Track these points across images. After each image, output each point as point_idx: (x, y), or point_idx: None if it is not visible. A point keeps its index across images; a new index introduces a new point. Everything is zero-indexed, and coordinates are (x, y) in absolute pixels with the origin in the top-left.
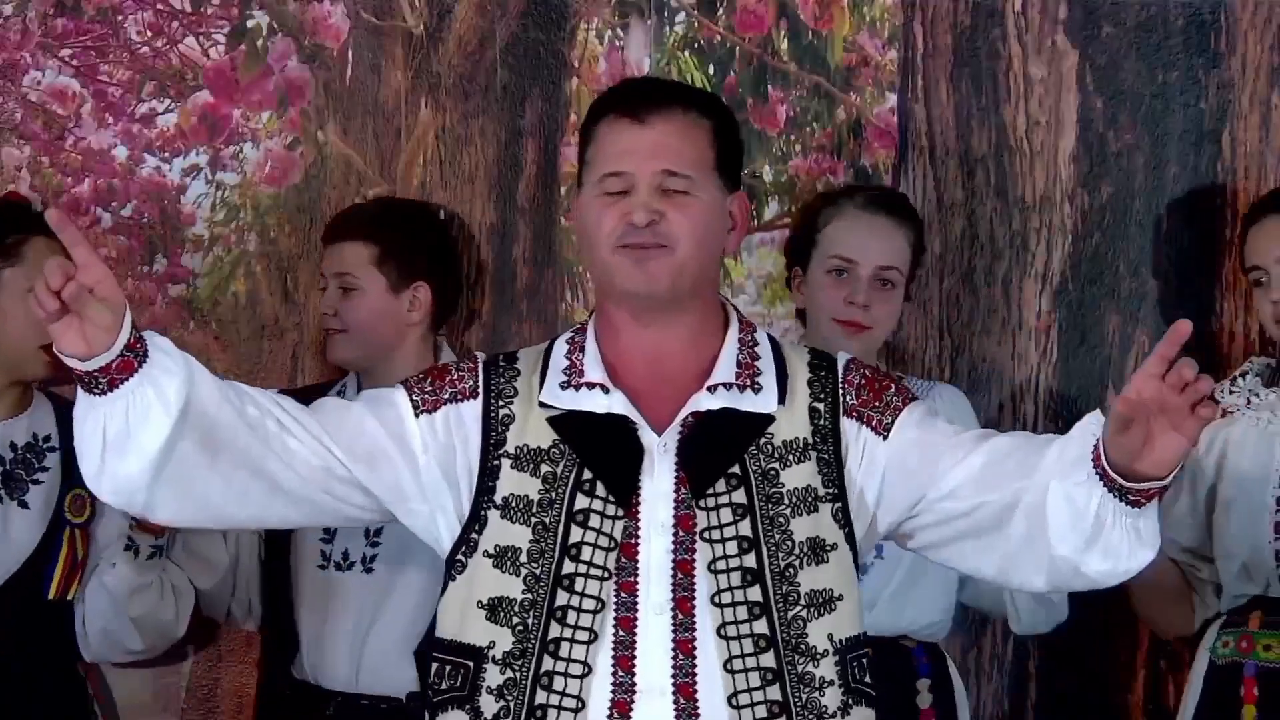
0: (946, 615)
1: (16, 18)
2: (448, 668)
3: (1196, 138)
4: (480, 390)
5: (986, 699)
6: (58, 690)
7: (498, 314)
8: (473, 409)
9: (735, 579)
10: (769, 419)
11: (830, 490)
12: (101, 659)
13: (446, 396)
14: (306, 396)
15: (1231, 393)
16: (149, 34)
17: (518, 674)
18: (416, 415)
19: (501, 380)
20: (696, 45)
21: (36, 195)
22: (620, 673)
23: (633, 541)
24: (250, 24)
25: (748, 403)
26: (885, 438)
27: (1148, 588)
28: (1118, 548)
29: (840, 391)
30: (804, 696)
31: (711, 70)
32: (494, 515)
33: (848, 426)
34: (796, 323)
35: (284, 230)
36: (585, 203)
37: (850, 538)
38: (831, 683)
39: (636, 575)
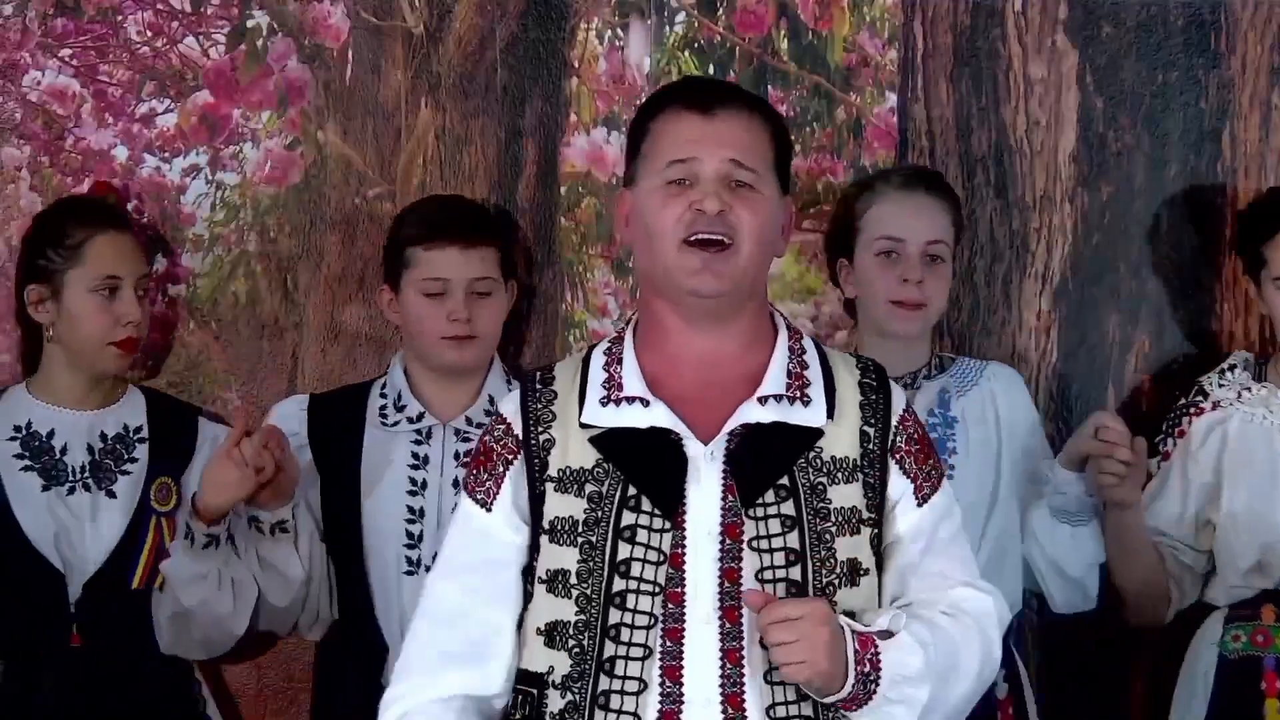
0: (1019, 602)
1: (16, 18)
2: (519, 697)
3: (1196, 138)
4: (521, 440)
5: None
6: (155, 677)
7: None
8: (520, 462)
9: (780, 590)
10: (818, 433)
11: (871, 516)
12: (174, 651)
13: (500, 471)
14: (341, 398)
15: (1221, 385)
16: (149, 34)
17: (577, 696)
18: (489, 510)
19: (539, 405)
20: (696, 45)
21: (36, 196)
22: (668, 683)
23: (680, 551)
24: (250, 24)
25: (797, 415)
26: (920, 505)
27: (1136, 560)
28: None
29: (893, 430)
30: (831, 714)
31: (711, 70)
32: (544, 540)
33: (892, 466)
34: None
35: (284, 230)
36: (645, 194)
37: (879, 565)
38: None
39: (683, 585)
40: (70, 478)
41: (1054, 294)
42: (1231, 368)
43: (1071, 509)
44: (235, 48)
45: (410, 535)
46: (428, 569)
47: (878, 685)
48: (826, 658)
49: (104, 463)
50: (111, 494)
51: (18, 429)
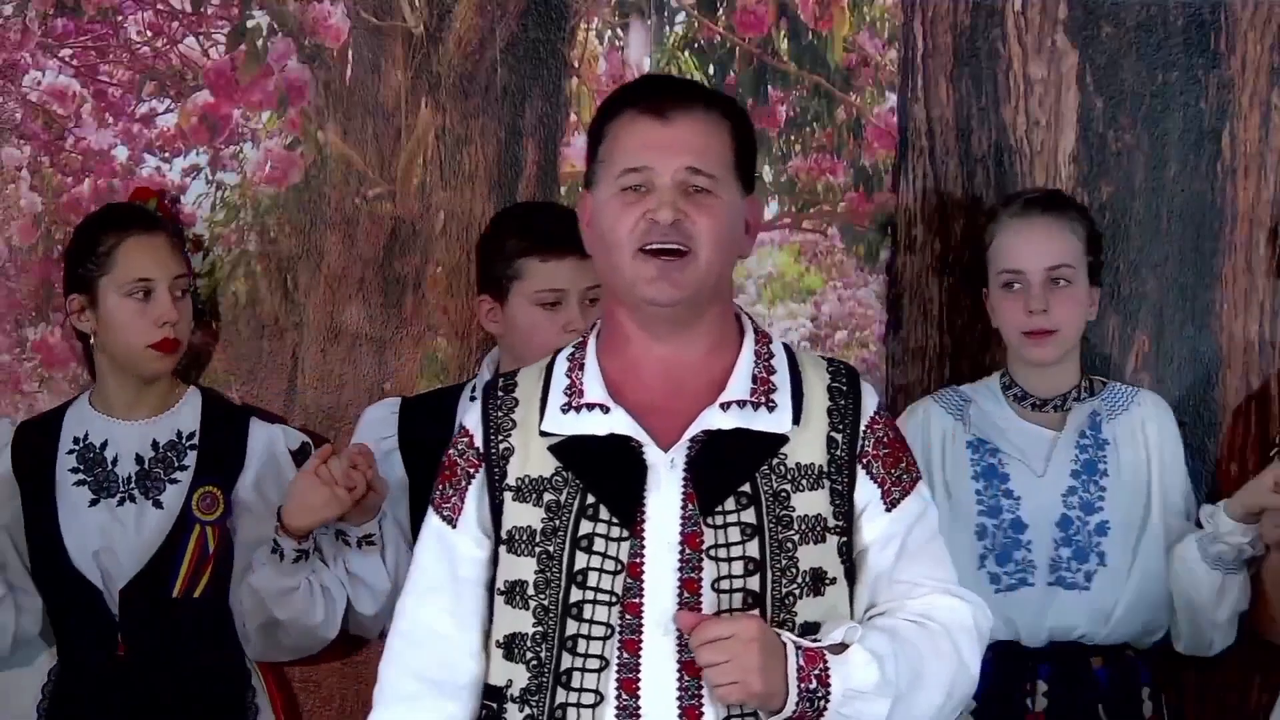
0: (1165, 623)
1: (16, 18)
2: (484, 712)
3: (1196, 138)
4: (481, 451)
5: None
6: (204, 687)
7: None
8: (481, 474)
9: (737, 601)
10: (783, 439)
11: (839, 524)
12: (264, 658)
13: (463, 485)
14: (433, 401)
15: None
16: (149, 34)
17: (535, 710)
18: (455, 527)
19: (499, 414)
20: (696, 45)
21: (37, 197)
22: (625, 696)
23: (638, 561)
24: (250, 24)
25: (761, 421)
26: (888, 510)
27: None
28: None
29: (861, 435)
30: None
31: (711, 70)
32: (502, 551)
33: (859, 472)
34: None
35: (284, 230)
36: (600, 203)
37: (850, 573)
38: None
39: (641, 595)
40: (120, 489)
41: None
42: None
43: (1229, 558)
44: (235, 48)
45: None
46: None
47: (827, 702)
48: (759, 678)
49: (153, 471)
50: (159, 504)
51: (76, 441)
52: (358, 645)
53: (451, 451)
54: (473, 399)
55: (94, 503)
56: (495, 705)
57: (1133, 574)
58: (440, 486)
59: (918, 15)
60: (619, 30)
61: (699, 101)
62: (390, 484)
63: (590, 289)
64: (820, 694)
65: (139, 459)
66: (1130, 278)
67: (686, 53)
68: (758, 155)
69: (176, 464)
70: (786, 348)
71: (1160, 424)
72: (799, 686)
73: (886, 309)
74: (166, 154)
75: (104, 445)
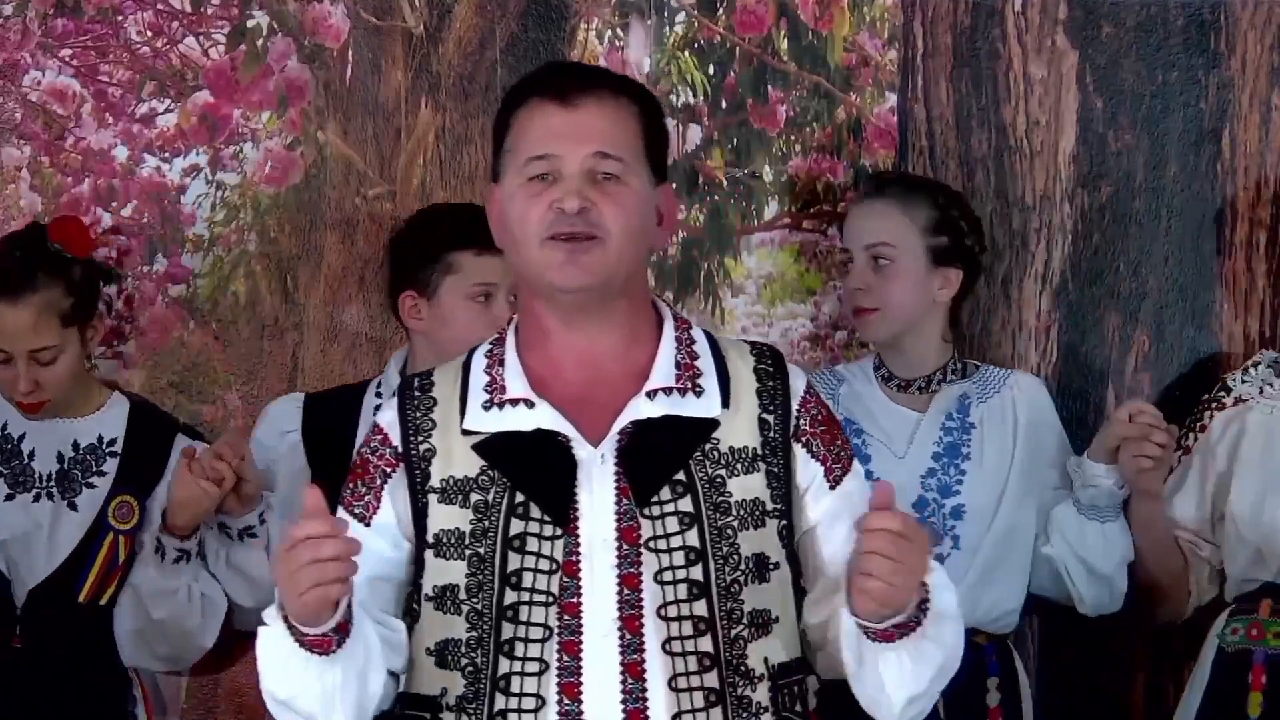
0: (1019, 607)
1: (16, 18)
2: None
3: (1196, 138)
4: (400, 451)
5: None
6: (92, 691)
7: None
8: (399, 474)
9: (682, 591)
10: (714, 423)
11: (778, 506)
12: (136, 663)
13: (378, 484)
14: (337, 397)
15: (1244, 381)
16: (149, 34)
17: (473, 717)
18: (367, 525)
19: (418, 414)
20: (696, 45)
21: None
22: (566, 701)
23: (574, 559)
24: (250, 24)
25: (690, 407)
26: (833, 488)
27: (1160, 551)
28: (884, 676)
29: (794, 413)
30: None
31: (711, 70)
32: (429, 556)
33: (798, 451)
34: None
35: (284, 230)
36: (507, 194)
37: (792, 557)
38: (765, 709)
39: (579, 595)
40: (36, 485)
41: (1054, 294)
42: (1256, 364)
43: (1101, 503)
44: (235, 48)
45: None
46: None
47: (924, 616)
48: (915, 590)
49: (71, 472)
50: (73, 506)
51: None
52: (232, 661)
53: (364, 449)
54: (379, 394)
55: (10, 496)
56: (429, 715)
57: (977, 557)
58: (351, 485)
59: (918, 15)
60: (619, 30)
61: (605, 86)
62: (292, 476)
63: (514, 286)
64: (924, 606)
65: (60, 457)
66: (1130, 277)
67: (686, 53)
68: (754, 153)
69: (95, 468)
70: (707, 333)
71: (1031, 403)
72: (917, 595)
73: None
74: (166, 154)
75: (21, 438)
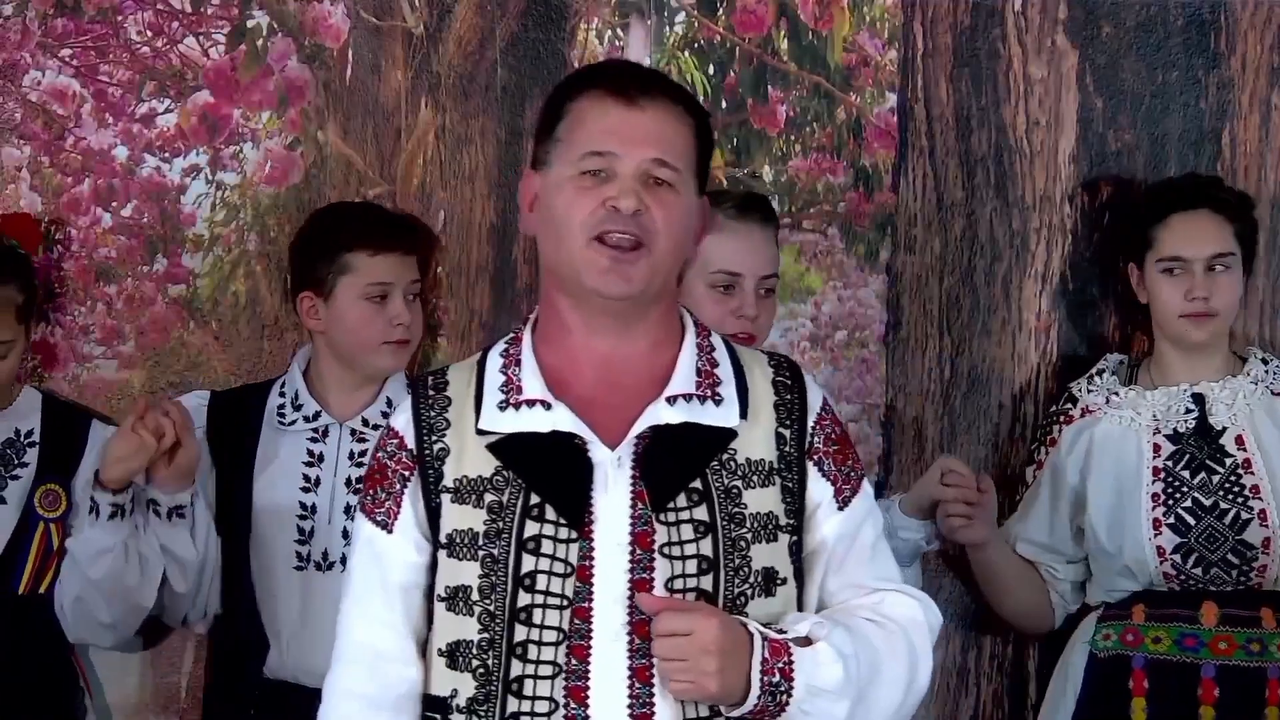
0: None
1: (16, 18)
2: None
3: (1196, 138)
4: (414, 453)
5: (986, 699)
6: (41, 682)
7: (497, 314)
8: (416, 476)
9: (691, 600)
10: (732, 434)
11: (790, 522)
12: (81, 639)
13: (398, 489)
14: (242, 395)
15: (1090, 390)
16: (149, 34)
17: (483, 719)
18: (390, 532)
19: (432, 414)
20: (696, 45)
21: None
22: (573, 705)
23: (587, 563)
24: (250, 24)
25: (709, 415)
26: (841, 509)
27: (1006, 590)
28: None
29: (810, 430)
30: None
31: (711, 70)
32: (442, 556)
33: (811, 468)
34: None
35: (284, 230)
36: (553, 183)
37: (799, 574)
38: None
39: (591, 600)
40: None
41: (1054, 294)
42: (1100, 372)
43: (904, 554)
44: (235, 48)
45: (301, 531)
46: (317, 565)
47: (790, 696)
48: (715, 681)
49: None
50: (1, 499)
51: None
52: (158, 639)
53: (380, 454)
54: (281, 394)
55: None
56: (440, 716)
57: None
58: (371, 491)
59: (918, 15)
60: (619, 30)
61: (668, 92)
62: (198, 471)
63: (412, 283)
64: (783, 688)
65: None
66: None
67: (686, 53)
68: (754, 153)
69: (16, 461)
70: (726, 342)
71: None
72: (762, 680)
73: (886, 309)
74: (166, 154)
75: None
